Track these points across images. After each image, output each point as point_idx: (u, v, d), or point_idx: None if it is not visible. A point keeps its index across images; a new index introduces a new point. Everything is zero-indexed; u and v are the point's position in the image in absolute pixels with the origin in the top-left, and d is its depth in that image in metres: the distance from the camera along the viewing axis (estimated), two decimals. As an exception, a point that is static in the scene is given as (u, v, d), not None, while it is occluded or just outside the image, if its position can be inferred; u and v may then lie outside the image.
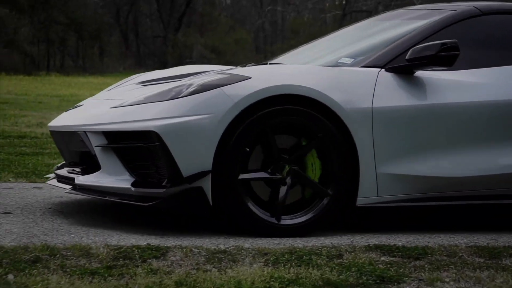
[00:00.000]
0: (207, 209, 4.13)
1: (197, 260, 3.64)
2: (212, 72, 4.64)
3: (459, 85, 4.61)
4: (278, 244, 4.04)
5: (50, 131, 4.92)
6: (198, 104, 4.14)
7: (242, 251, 3.81)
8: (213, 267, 3.56)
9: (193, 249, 3.77)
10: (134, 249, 3.67)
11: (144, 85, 4.82)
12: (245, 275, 3.41)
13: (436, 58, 4.39)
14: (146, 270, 3.41)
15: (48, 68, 40.56)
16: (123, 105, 4.37)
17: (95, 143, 4.26)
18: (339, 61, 4.83)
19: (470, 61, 4.77)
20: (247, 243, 4.02)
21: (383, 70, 4.53)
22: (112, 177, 4.24)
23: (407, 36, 4.74)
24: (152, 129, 4.09)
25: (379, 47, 4.75)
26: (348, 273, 3.53)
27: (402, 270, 3.61)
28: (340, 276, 3.48)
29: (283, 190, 4.25)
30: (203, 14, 51.35)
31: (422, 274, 3.56)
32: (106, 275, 3.31)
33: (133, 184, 4.17)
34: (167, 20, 50.46)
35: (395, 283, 3.46)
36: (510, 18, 5.02)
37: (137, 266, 3.46)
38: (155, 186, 4.17)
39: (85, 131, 4.33)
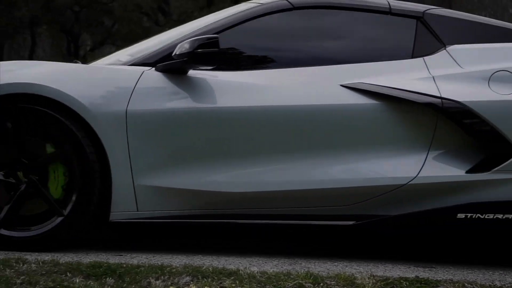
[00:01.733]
0: None
1: (471, 297, 3.47)
2: None
3: (241, 88, 4.09)
4: None
5: None
6: None
7: (521, 289, 3.59)
8: (491, 306, 3.37)
9: (466, 284, 3.59)
10: (402, 281, 3.56)
11: None
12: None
13: (195, 55, 3.94)
14: (416, 305, 3.30)
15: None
16: None
17: None
18: (118, 58, 4.41)
19: (268, 61, 4.32)
20: (527, 280, 3.79)
21: (152, 69, 4.10)
22: None
23: (194, 31, 4.27)
24: None
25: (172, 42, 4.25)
26: None
27: None
28: None
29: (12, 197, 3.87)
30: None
31: None
32: (373, 307, 3.24)
33: None
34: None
35: None
36: (322, 14, 4.46)
37: (406, 300, 3.36)
38: None
39: None
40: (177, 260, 3.75)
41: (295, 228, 4.11)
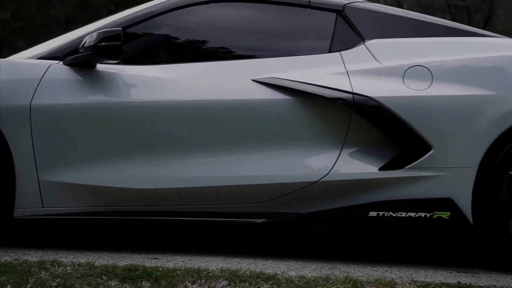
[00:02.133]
0: None
1: (516, 304, 3.42)
2: None
3: (151, 82, 4.05)
4: None
5: None
6: None
7: None
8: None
9: (510, 290, 3.55)
10: (443, 287, 3.52)
11: None
12: None
13: (98, 48, 3.92)
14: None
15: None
16: None
17: None
18: (33, 52, 4.33)
19: (180, 55, 4.28)
20: None
21: (60, 63, 4.06)
22: None
23: (106, 24, 4.25)
24: None
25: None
26: None
27: None
28: None
29: None
30: (504, 32, 49.82)
31: None
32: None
33: None
34: (464, 39, 49.59)
35: None
36: (239, 7, 4.41)
37: (449, 307, 3.32)
38: None
39: None
40: (213, 264, 3.74)
41: (206, 225, 4.07)
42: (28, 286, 3.10)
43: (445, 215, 3.99)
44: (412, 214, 3.99)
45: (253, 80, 4.09)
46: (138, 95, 4.03)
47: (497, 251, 4.05)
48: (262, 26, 4.45)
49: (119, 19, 4.32)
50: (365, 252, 4.45)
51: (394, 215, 3.99)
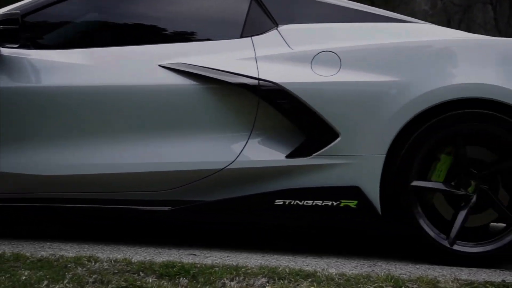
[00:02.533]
0: None
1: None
2: None
3: (54, 67, 4.04)
4: None
5: None
6: None
7: None
8: None
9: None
10: (487, 285, 3.47)
11: None
12: None
13: None
14: (504, 312, 3.22)
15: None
16: None
17: None
18: None
19: (85, 39, 4.31)
20: None
21: None
22: None
23: (18, 6, 4.22)
24: None
25: None
26: None
27: None
28: None
29: None
30: (546, 21, 49.14)
31: None
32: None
33: None
34: (504, 30, 49.09)
35: None
36: None
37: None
38: None
39: None
40: (252, 261, 3.73)
41: (111, 213, 4.05)
42: (65, 281, 3.11)
43: (352, 203, 3.93)
44: (319, 203, 3.93)
45: (160, 66, 4.07)
46: (43, 80, 4.05)
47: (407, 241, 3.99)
48: (174, 10, 4.42)
49: (30, 2, 4.30)
50: (406, 249, 4.40)
51: (301, 203, 3.94)
